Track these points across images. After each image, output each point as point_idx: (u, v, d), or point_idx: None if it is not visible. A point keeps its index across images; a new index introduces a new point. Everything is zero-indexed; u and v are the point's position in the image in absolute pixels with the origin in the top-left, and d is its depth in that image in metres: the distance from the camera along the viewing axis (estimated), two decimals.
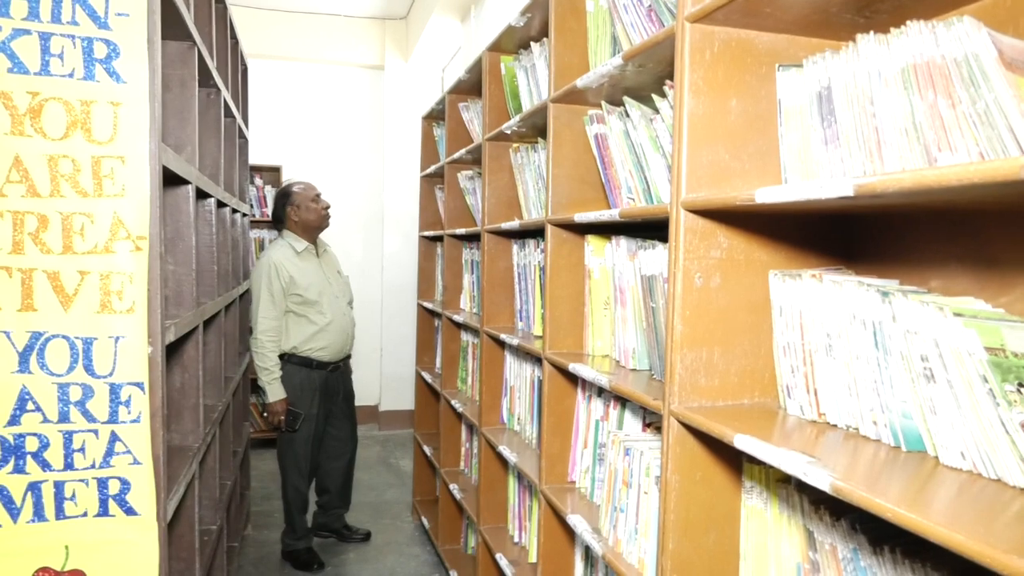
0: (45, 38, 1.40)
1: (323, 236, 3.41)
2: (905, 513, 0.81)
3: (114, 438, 1.43)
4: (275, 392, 3.06)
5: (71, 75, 1.41)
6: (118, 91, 1.44)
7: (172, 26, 1.82)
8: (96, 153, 1.43)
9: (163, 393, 1.51)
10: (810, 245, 1.35)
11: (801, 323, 1.24)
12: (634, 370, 1.71)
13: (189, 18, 1.92)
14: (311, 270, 3.16)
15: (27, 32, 1.39)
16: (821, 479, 0.93)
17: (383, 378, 5.77)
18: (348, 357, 3.39)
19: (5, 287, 1.38)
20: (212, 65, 2.39)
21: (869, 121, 1.10)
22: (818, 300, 1.20)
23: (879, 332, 1.10)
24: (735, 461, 1.33)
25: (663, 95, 1.55)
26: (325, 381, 3.22)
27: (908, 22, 1.04)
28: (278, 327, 3.09)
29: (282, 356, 3.12)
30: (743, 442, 1.09)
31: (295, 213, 3.19)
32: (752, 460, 1.29)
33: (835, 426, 1.18)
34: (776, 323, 1.29)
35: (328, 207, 3.27)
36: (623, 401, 1.78)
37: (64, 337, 1.40)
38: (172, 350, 1.96)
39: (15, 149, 1.39)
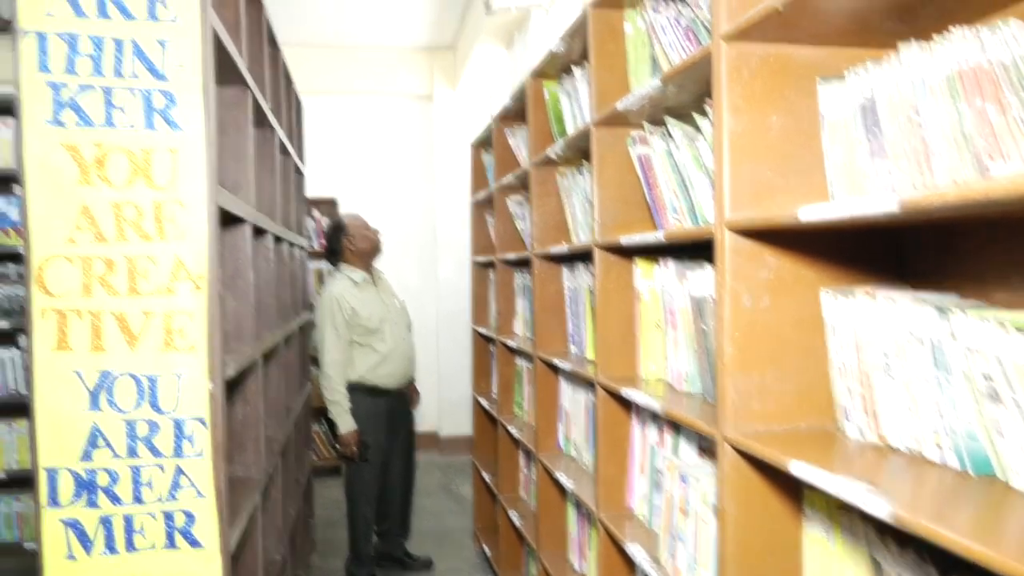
0: (108, 92, 1.48)
1: (377, 264, 3.46)
2: (974, 545, 0.78)
3: (179, 472, 1.48)
4: (346, 423, 3.11)
5: (132, 126, 1.49)
6: (175, 138, 1.51)
7: (227, 72, 1.90)
8: (157, 198, 1.50)
9: (225, 427, 1.56)
10: (863, 260, 1.32)
11: (856, 342, 1.20)
12: (688, 394, 1.69)
13: (243, 64, 2.01)
14: (370, 299, 3.22)
15: (92, 88, 1.47)
16: (881, 508, 0.90)
17: (441, 403, 5.82)
18: (411, 382, 3.43)
19: (76, 329, 1.45)
20: (266, 107, 2.48)
21: (916, 132, 1.08)
22: (873, 318, 1.17)
23: (938, 350, 1.06)
24: (795, 488, 1.29)
25: (704, 114, 1.55)
26: (390, 407, 3.26)
27: (951, 27, 1.02)
28: (343, 359, 3.14)
29: (349, 387, 3.18)
30: (799, 468, 1.07)
31: (351, 243, 3.26)
32: (812, 487, 1.26)
33: (897, 449, 1.14)
34: (830, 343, 1.26)
35: (379, 234, 3.34)
36: (678, 426, 1.76)
37: (131, 375, 1.47)
38: (234, 384, 2.03)
39: (83, 198, 1.47)
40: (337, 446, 3.18)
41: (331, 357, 3.11)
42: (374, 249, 3.30)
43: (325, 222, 5.48)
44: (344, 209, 5.43)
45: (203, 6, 1.51)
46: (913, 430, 1.11)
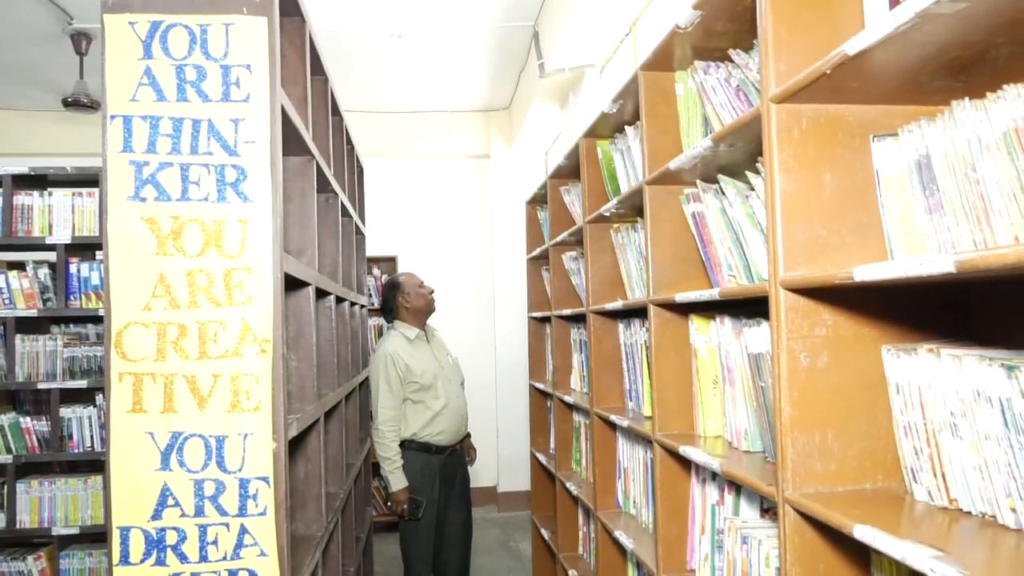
0: (185, 168, 1.58)
1: (434, 321, 3.52)
2: None
3: (243, 531, 1.51)
4: (398, 481, 3.11)
5: (206, 199, 1.58)
6: (245, 210, 1.59)
7: (293, 144, 2.00)
8: (227, 266, 1.58)
9: (287, 485, 1.59)
10: (926, 316, 1.29)
11: (921, 401, 1.17)
12: (747, 452, 1.65)
13: (308, 136, 2.11)
14: (424, 356, 3.25)
15: (170, 165, 1.57)
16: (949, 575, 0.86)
17: (500, 459, 5.79)
18: (465, 438, 3.42)
19: (150, 391, 1.52)
20: (329, 173, 2.59)
21: (973, 188, 1.06)
22: (937, 376, 1.14)
23: (1008, 409, 1.02)
24: (862, 552, 1.25)
25: (757, 171, 1.55)
26: (444, 465, 3.25)
27: (1005, 86, 1.01)
28: (398, 416, 3.16)
29: (402, 443, 3.18)
30: (863, 533, 1.03)
31: (406, 301, 3.31)
32: (878, 552, 1.21)
33: (969, 513, 1.09)
34: (894, 402, 1.23)
35: (433, 292, 3.39)
36: (738, 485, 1.72)
37: (199, 436, 1.52)
38: (296, 442, 2.07)
39: (160, 268, 1.55)
40: (389, 503, 3.18)
41: (385, 414, 3.13)
42: (428, 307, 3.34)
43: (386, 280, 5.61)
44: (403, 267, 5.55)
45: (272, 86, 1.60)
46: (985, 493, 1.07)
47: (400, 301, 3.33)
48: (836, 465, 1.24)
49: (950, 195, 1.11)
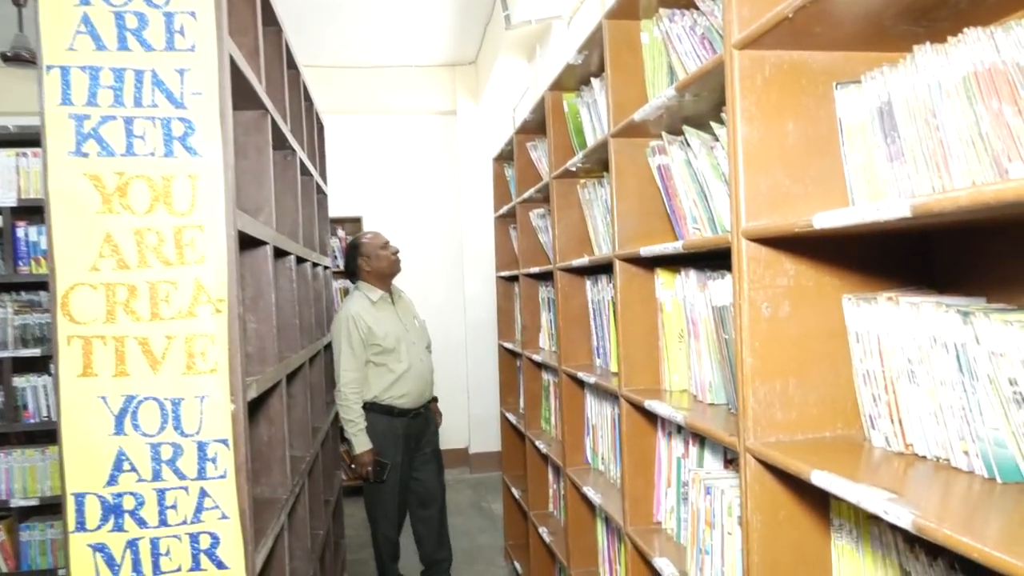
0: (129, 122, 1.53)
1: (401, 281, 3.49)
2: (1002, 555, 0.77)
3: (203, 494, 1.51)
4: (361, 443, 3.12)
5: (152, 154, 1.53)
6: (194, 164, 1.56)
7: (245, 98, 1.95)
8: (177, 224, 1.54)
9: (248, 448, 1.59)
10: (886, 266, 1.31)
11: (880, 349, 1.19)
12: (712, 404, 1.68)
13: (261, 89, 2.05)
14: (387, 318, 3.23)
15: (113, 118, 1.52)
16: (903, 517, 0.89)
17: (471, 420, 5.83)
18: (431, 402, 3.42)
19: (101, 354, 1.50)
20: (286, 129, 2.53)
21: (933, 135, 1.07)
22: (896, 324, 1.16)
23: (963, 355, 1.05)
24: (822, 498, 1.28)
25: (722, 122, 1.55)
26: (408, 428, 3.25)
27: (966, 29, 1.02)
28: (360, 378, 3.15)
29: (365, 406, 3.18)
30: (820, 478, 1.06)
31: (367, 263, 3.28)
32: (838, 497, 1.25)
33: (924, 458, 1.13)
34: (854, 350, 1.25)
35: (397, 252, 3.34)
36: (704, 437, 1.75)
37: (154, 399, 1.50)
38: (257, 405, 2.06)
39: (106, 226, 1.51)
40: (353, 466, 3.18)
41: (347, 376, 3.13)
42: (391, 268, 3.30)
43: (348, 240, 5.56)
44: (369, 228, 5.49)
45: (220, 35, 1.55)
46: (940, 438, 1.10)
47: (362, 263, 3.30)
48: (796, 414, 1.27)
49: (911, 142, 1.12)
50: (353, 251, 3.33)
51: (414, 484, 3.37)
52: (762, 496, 1.26)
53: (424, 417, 3.36)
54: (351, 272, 3.35)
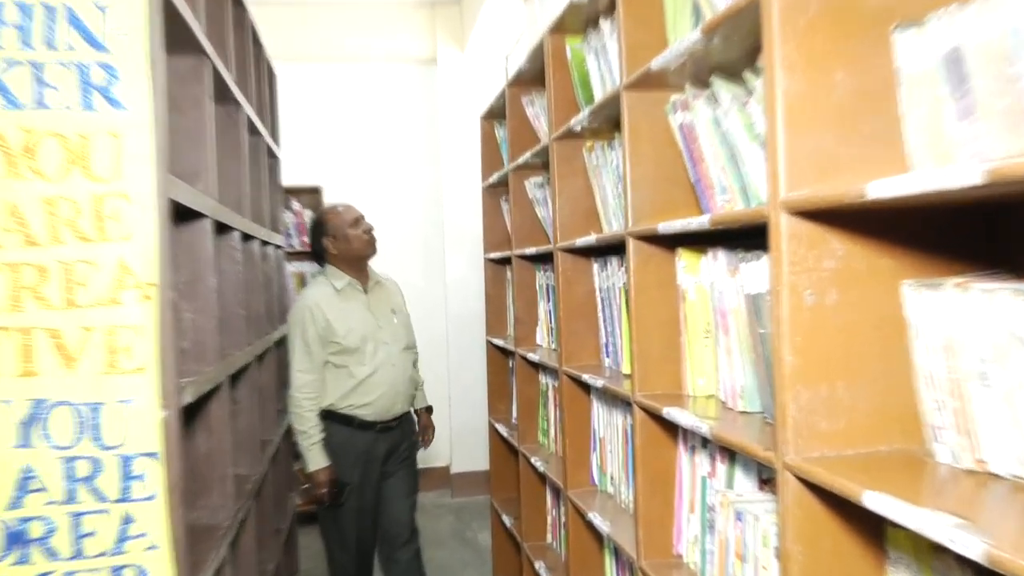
0: (38, 67, 1.52)
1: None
2: None
3: (127, 519, 1.51)
4: (315, 459, 3.08)
5: (67, 107, 1.52)
6: (118, 120, 1.55)
7: (179, 41, 1.93)
8: (97, 192, 1.53)
9: (182, 463, 1.58)
10: (952, 245, 1.31)
11: (946, 345, 1.20)
12: (744, 412, 1.69)
13: (199, 29, 2.04)
14: (353, 311, 3.18)
15: (19, 63, 1.51)
16: (973, 547, 0.89)
17: (453, 433, 5.84)
18: (421, 414, 3.41)
19: (3, 350, 1.49)
20: (230, 79, 2.52)
21: (1011, 87, 1.07)
22: (966, 315, 1.16)
23: None
24: (875, 525, 1.29)
25: (757, 72, 1.55)
26: (373, 445, 3.20)
27: None
28: (316, 382, 3.12)
29: (322, 415, 3.15)
30: (874, 501, 1.06)
31: (333, 244, 3.21)
32: (892, 523, 1.25)
33: (999, 476, 1.13)
34: (914, 347, 1.25)
35: (371, 230, 3.28)
36: (733, 453, 1.75)
37: (68, 404, 1.50)
38: (194, 412, 2.06)
39: (10, 195, 1.50)
40: (306, 486, 3.14)
41: (300, 378, 3.10)
42: (362, 250, 3.24)
43: (307, 216, 5.53)
44: (330, 199, 5.48)
45: None
46: (1018, 452, 1.10)
47: (327, 244, 3.23)
48: (845, 423, 1.27)
49: (984, 96, 1.11)
50: (317, 230, 3.26)
51: (382, 515, 3.33)
52: (804, 523, 1.26)
53: (399, 432, 3.31)
54: (317, 255, 3.31)
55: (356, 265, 3.25)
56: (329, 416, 3.15)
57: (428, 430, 3.52)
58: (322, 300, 3.14)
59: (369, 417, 3.18)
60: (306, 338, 3.10)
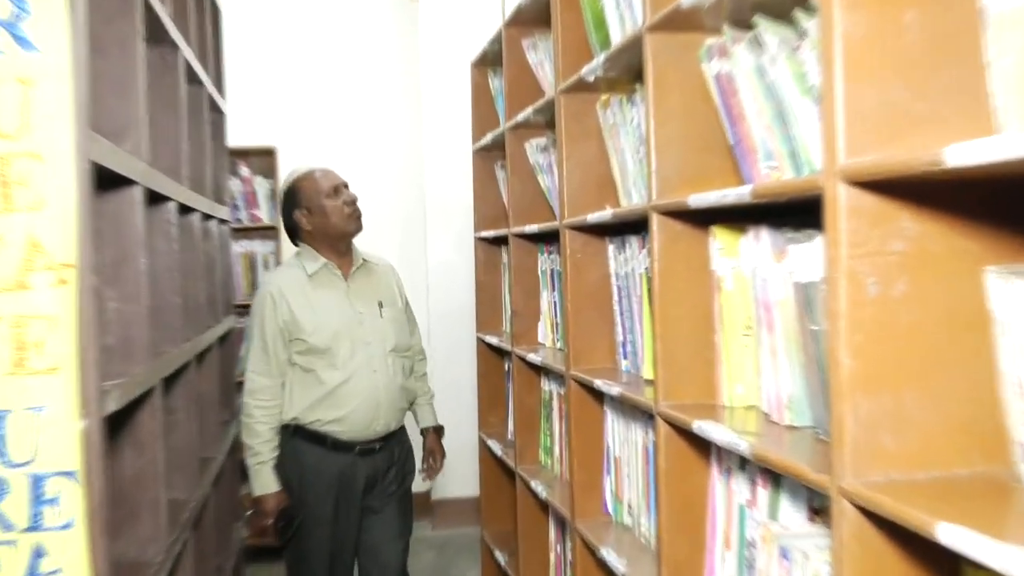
0: None
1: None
2: None
3: (39, 552, 1.51)
4: (262, 482, 3.04)
5: None
6: (29, 64, 1.54)
7: None
8: (1, 151, 1.53)
9: (106, 486, 1.58)
10: None
11: None
12: (791, 427, 1.69)
13: None
14: (326, 301, 3.12)
15: None
16: None
17: None
18: (392, 436, 3.25)
19: None
20: (164, 13, 2.51)
21: None
22: None
23: None
24: (951, 562, 1.29)
25: (810, 11, 1.54)
26: (351, 468, 3.14)
27: None
28: (274, 387, 3.07)
29: (288, 430, 3.11)
30: (950, 535, 1.07)
31: (307, 218, 3.16)
32: (974, 562, 1.26)
33: None
34: (1001, 348, 1.26)
35: (354, 201, 3.21)
36: (778, 476, 1.76)
37: None
38: (120, 422, 2.06)
39: None
40: (251, 513, 3.12)
41: (254, 381, 3.06)
42: (343, 226, 3.16)
43: (258, 184, 5.53)
44: (287, 163, 5.47)
45: None
46: None
47: (299, 218, 3.17)
48: (915, 441, 1.27)
49: None
50: (288, 201, 3.21)
51: (365, 559, 3.29)
52: (865, 561, 1.27)
53: (385, 455, 3.23)
54: (290, 231, 3.27)
55: (335, 244, 3.20)
56: (297, 432, 3.11)
57: (435, 455, 3.49)
58: (288, 286, 3.10)
59: (344, 435, 3.11)
60: (264, 333, 3.06)
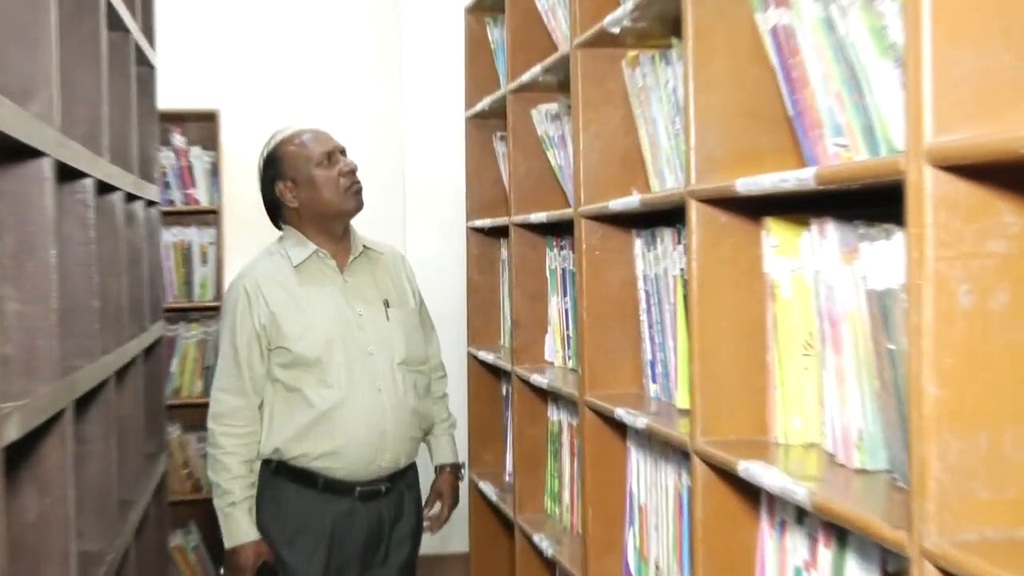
0: None
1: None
2: None
3: None
4: (234, 529, 2.97)
5: None
6: None
7: None
8: None
9: (2, 532, 1.58)
10: None
11: None
12: (861, 471, 1.69)
13: None
14: (317, 300, 3.05)
15: None
16: None
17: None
18: (402, 474, 3.17)
19: None
20: None
21: None
22: None
23: None
24: None
25: None
26: (348, 520, 3.03)
27: None
28: (246, 410, 2.98)
29: (270, 466, 3.03)
30: None
31: (292, 193, 3.08)
32: None
33: None
34: None
35: (353, 171, 3.16)
36: (844, 532, 1.76)
37: None
38: (21, 455, 2.05)
39: None
40: (223, 572, 3.07)
41: (221, 403, 2.98)
42: (339, 201, 3.09)
43: (196, 156, 5.51)
44: (232, 130, 5.47)
45: None
46: None
47: (282, 191, 3.09)
48: (1017, 491, 1.27)
49: None
50: (269, 170, 3.13)
51: None
52: None
53: (394, 501, 3.13)
54: (271, 209, 3.20)
55: (329, 226, 3.13)
56: (280, 470, 3.02)
57: (444, 499, 3.41)
58: (267, 280, 3.03)
59: (338, 474, 3.01)
60: (236, 338, 2.99)
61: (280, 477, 3.01)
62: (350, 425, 2.99)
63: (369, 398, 3.02)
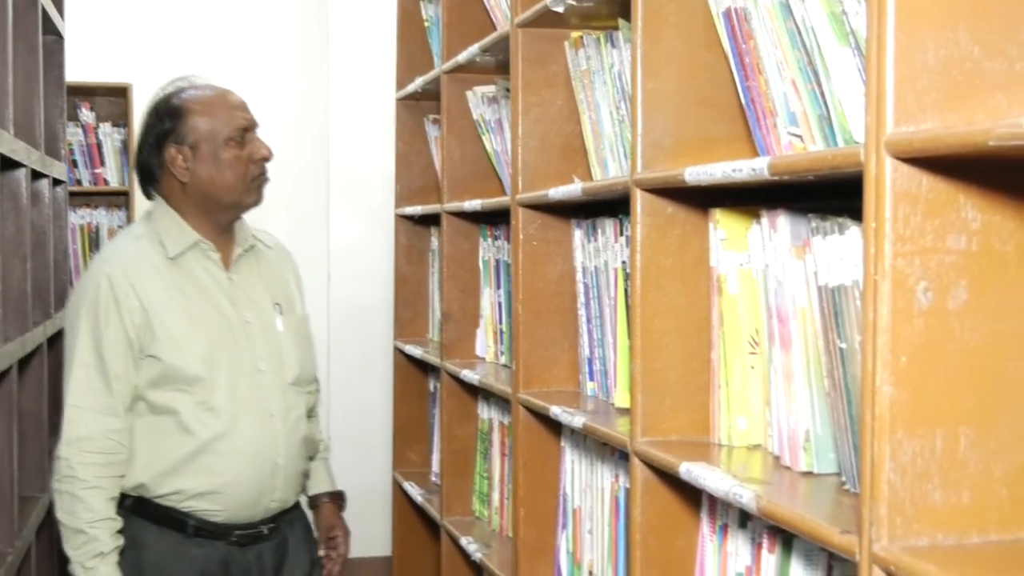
0: None
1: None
2: None
3: None
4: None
5: None
6: None
7: None
8: None
9: None
10: None
11: None
12: (808, 473, 1.70)
13: None
14: (197, 301, 2.67)
15: None
16: None
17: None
18: (287, 514, 2.81)
19: None
20: None
21: None
22: None
23: None
24: None
25: None
26: (220, 569, 2.66)
27: None
28: (117, 432, 2.57)
29: (128, 504, 2.62)
30: None
31: (184, 163, 2.64)
32: None
33: None
34: None
35: (266, 158, 2.77)
36: (789, 536, 1.78)
37: None
38: None
39: None
40: None
41: (76, 425, 2.53)
42: (243, 190, 2.70)
43: (106, 134, 5.45)
44: (144, 104, 5.40)
45: None
46: None
47: (173, 157, 2.64)
48: (971, 494, 1.28)
49: None
50: (159, 123, 2.70)
51: None
52: None
53: (278, 544, 2.78)
54: (145, 173, 2.77)
55: (218, 215, 2.74)
56: (139, 510, 2.62)
57: (337, 534, 2.95)
58: (136, 269, 2.62)
59: (216, 516, 2.64)
60: (99, 341, 2.55)
61: (138, 517, 2.61)
62: (235, 459, 2.63)
63: (259, 425, 2.67)
